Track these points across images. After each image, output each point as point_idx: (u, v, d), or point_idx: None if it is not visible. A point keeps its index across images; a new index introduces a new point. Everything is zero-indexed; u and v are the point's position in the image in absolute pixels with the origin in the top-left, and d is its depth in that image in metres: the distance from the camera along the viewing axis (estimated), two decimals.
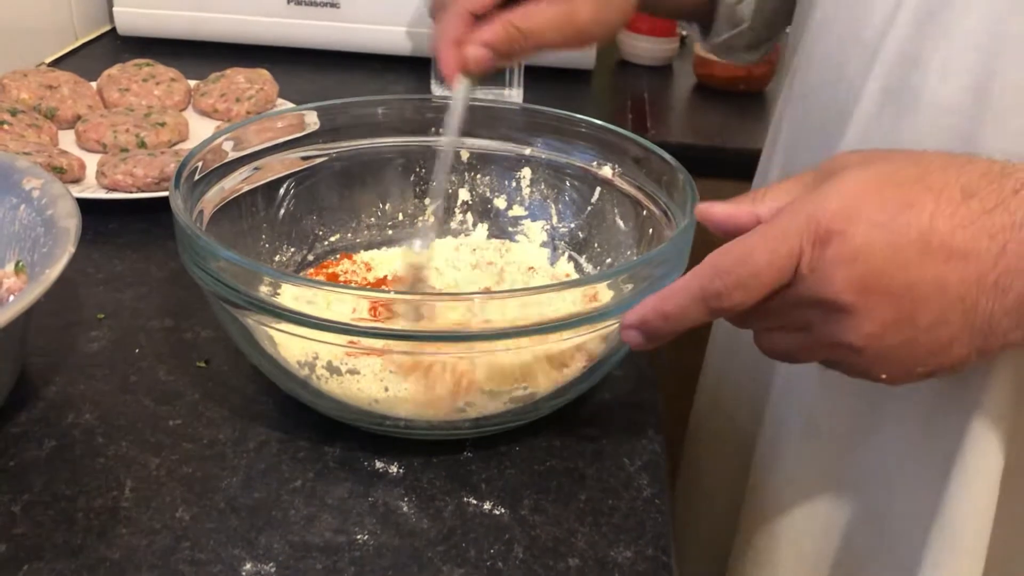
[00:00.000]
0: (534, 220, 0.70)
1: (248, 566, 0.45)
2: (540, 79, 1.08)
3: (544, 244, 0.69)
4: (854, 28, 0.52)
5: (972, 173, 0.40)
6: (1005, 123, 0.45)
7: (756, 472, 0.65)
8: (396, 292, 0.48)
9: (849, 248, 0.39)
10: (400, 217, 0.70)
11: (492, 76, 1.00)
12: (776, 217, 0.42)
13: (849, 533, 0.58)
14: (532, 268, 0.66)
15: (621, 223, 0.65)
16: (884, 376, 0.43)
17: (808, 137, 0.58)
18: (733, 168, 0.75)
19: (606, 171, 0.66)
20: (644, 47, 1.24)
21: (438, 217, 0.62)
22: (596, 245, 0.67)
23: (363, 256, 0.67)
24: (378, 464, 0.52)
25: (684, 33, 1.31)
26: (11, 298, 0.55)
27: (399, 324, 0.46)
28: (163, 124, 0.85)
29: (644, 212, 0.63)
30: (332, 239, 0.68)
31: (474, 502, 0.50)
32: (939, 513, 0.51)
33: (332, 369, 0.50)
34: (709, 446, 0.78)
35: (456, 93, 0.57)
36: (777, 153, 0.63)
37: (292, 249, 0.66)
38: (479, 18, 0.55)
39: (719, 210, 0.46)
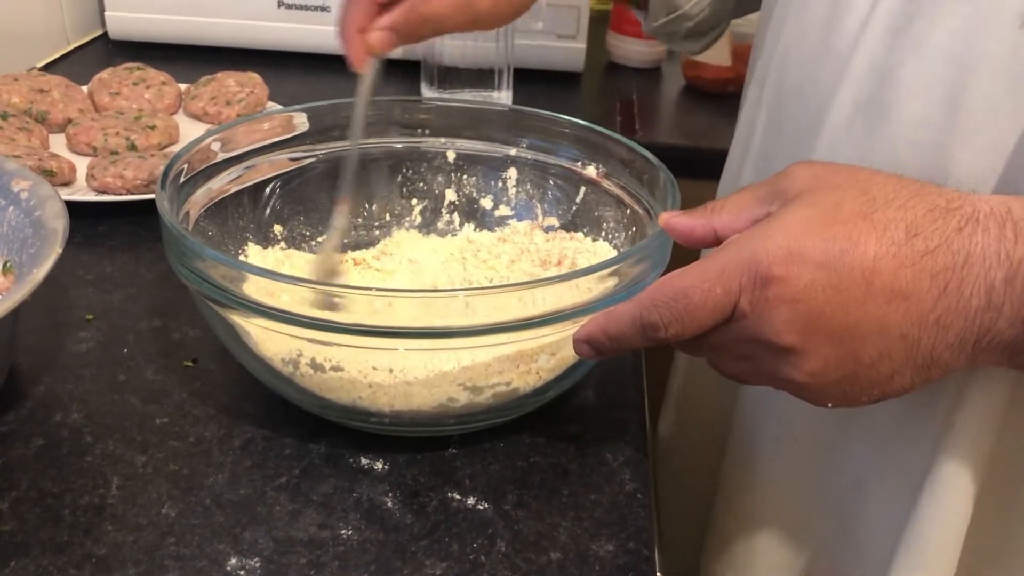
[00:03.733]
0: (520, 219, 0.70)
1: (233, 561, 0.46)
2: (529, 81, 1.08)
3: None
4: (825, 37, 0.52)
5: (918, 210, 0.40)
6: (975, 138, 0.45)
7: (728, 474, 0.65)
8: (379, 289, 0.48)
9: (790, 290, 0.39)
10: (387, 217, 0.71)
11: (481, 79, 1.02)
12: (719, 252, 0.42)
13: (821, 540, 0.58)
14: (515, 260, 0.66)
15: (605, 222, 0.66)
16: (830, 404, 0.43)
17: (781, 145, 0.58)
18: (720, 169, 0.76)
19: (591, 171, 0.66)
20: (633, 49, 1.25)
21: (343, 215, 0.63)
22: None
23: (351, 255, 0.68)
24: (363, 461, 0.53)
25: None
26: None
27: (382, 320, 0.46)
28: (153, 127, 0.86)
29: (628, 211, 0.64)
30: (319, 239, 0.68)
31: (458, 497, 0.50)
32: (909, 527, 0.50)
33: (316, 366, 0.50)
34: (681, 445, 0.78)
35: (363, 77, 0.59)
36: (750, 158, 0.63)
37: (279, 248, 0.66)
38: (383, 6, 0.57)
39: (678, 222, 0.46)
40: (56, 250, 0.51)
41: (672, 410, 0.80)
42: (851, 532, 0.55)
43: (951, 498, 0.49)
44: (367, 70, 0.58)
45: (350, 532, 0.48)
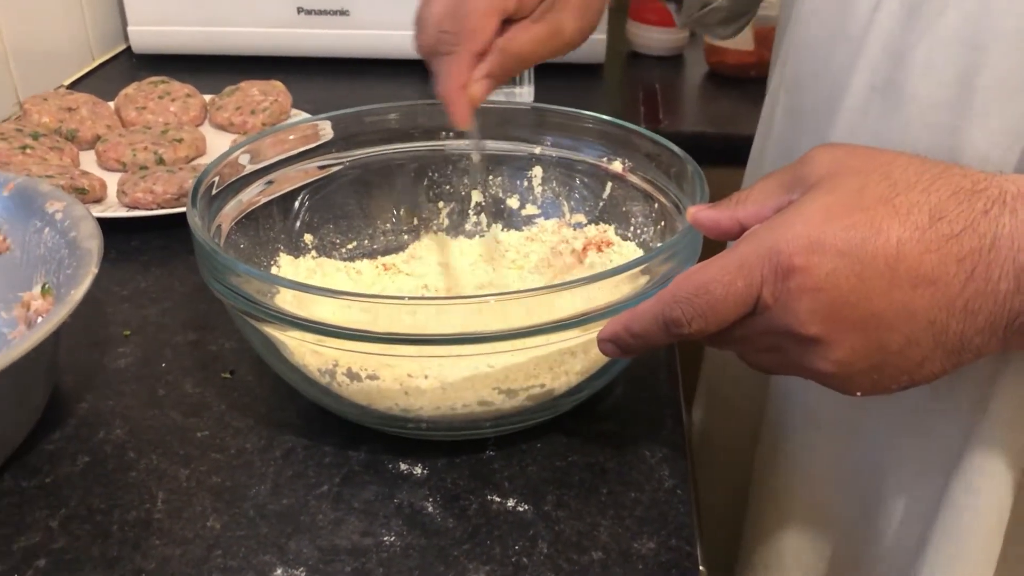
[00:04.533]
0: (547, 218, 0.70)
1: (279, 571, 0.46)
2: (551, 75, 1.08)
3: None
4: (840, 21, 0.52)
5: (942, 192, 0.39)
6: (989, 119, 0.45)
7: (761, 463, 0.65)
8: (410, 298, 0.49)
9: (813, 280, 0.39)
10: (415, 222, 0.71)
11: None
12: (739, 244, 0.42)
13: (848, 529, 0.58)
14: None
15: (633, 217, 0.66)
16: (859, 393, 0.43)
17: (800, 129, 0.58)
18: (746, 155, 0.75)
19: (616, 166, 0.66)
20: (654, 38, 1.25)
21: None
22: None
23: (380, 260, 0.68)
24: (402, 466, 0.53)
25: None
26: (39, 320, 0.56)
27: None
28: (180, 140, 0.87)
29: (656, 205, 0.63)
30: (349, 246, 0.69)
31: (498, 500, 0.51)
32: (940, 514, 0.50)
33: (352, 375, 0.51)
34: (713, 437, 0.78)
35: (472, 130, 0.59)
36: (771, 144, 0.63)
37: (311, 257, 0.67)
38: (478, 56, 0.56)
39: (704, 216, 0.46)
40: (92, 270, 0.52)
41: (703, 401, 0.80)
42: (878, 516, 0.55)
43: (986, 485, 0.48)
44: (472, 124, 0.57)
45: (393, 538, 0.48)
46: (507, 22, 0.56)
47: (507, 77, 0.57)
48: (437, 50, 0.56)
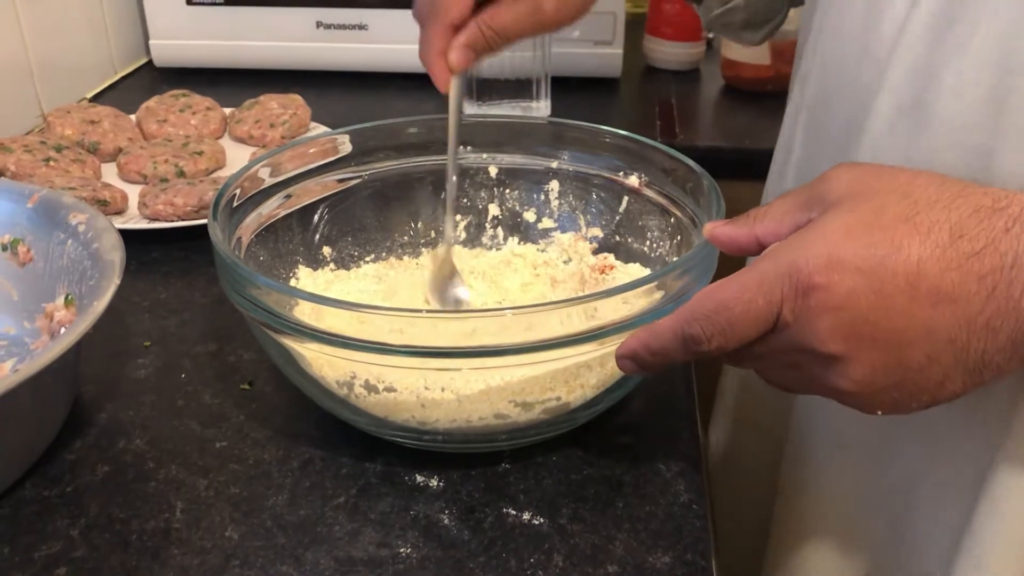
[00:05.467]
0: (563, 232, 0.71)
1: None
2: (567, 89, 1.09)
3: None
4: (863, 40, 0.52)
5: (963, 210, 0.39)
6: (1020, 140, 0.44)
7: (785, 481, 0.65)
8: (428, 311, 0.49)
9: (833, 298, 0.39)
10: (432, 235, 0.72)
11: (520, 89, 1.02)
12: (759, 262, 0.42)
13: (875, 545, 0.58)
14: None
15: (650, 231, 0.66)
16: (880, 412, 0.43)
17: (823, 149, 0.58)
18: (762, 169, 0.75)
19: (632, 180, 0.66)
20: (670, 52, 1.25)
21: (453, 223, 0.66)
22: (626, 254, 0.67)
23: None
24: (418, 478, 0.53)
25: (711, 36, 1.31)
26: (62, 330, 0.57)
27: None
28: (201, 153, 0.88)
29: (672, 219, 0.64)
30: (367, 259, 0.69)
31: (513, 512, 0.51)
32: (967, 533, 0.50)
33: (370, 387, 0.51)
34: (736, 455, 0.78)
35: (452, 95, 0.61)
36: (792, 163, 0.63)
37: (328, 270, 0.67)
38: (457, 28, 0.59)
39: (722, 232, 0.46)
40: (115, 281, 0.53)
41: (726, 417, 0.80)
42: (905, 537, 0.55)
43: (1012, 503, 0.48)
44: (452, 89, 0.60)
45: (409, 550, 0.49)
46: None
47: (490, 51, 0.60)
48: (420, 18, 0.60)
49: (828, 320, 0.40)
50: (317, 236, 0.67)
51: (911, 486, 0.54)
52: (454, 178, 0.64)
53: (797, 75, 0.64)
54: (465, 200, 0.72)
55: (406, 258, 0.70)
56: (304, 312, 0.49)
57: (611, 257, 0.67)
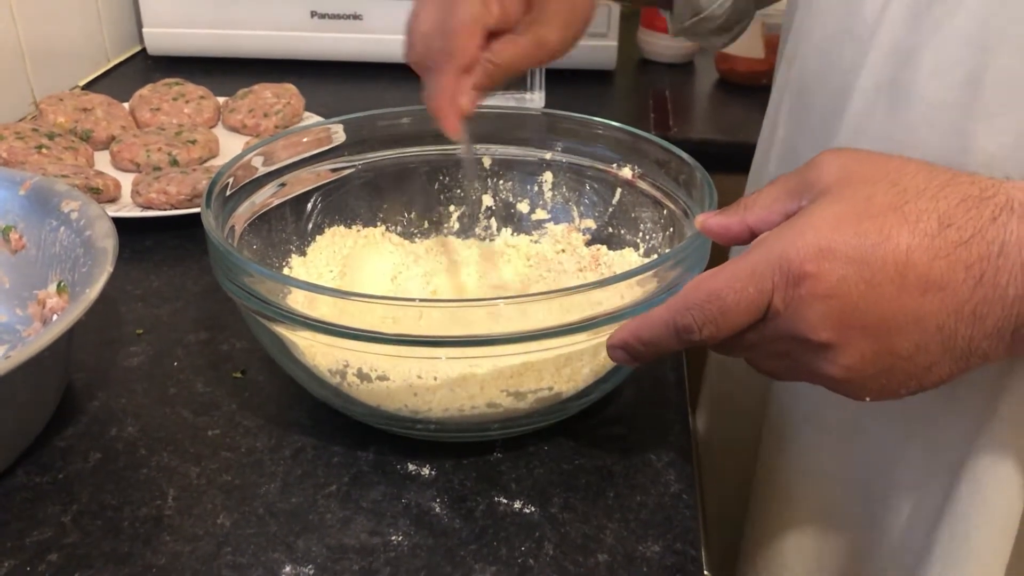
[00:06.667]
0: (557, 223, 0.71)
1: (288, 569, 0.47)
2: (562, 81, 1.09)
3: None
4: (846, 22, 0.53)
5: (951, 199, 0.39)
6: (996, 119, 0.45)
7: (764, 465, 0.65)
8: (421, 300, 0.49)
9: (824, 286, 0.40)
10: (426, 225, 0.72)
11: (514, 81, 1.02)
12: (749, 252, 0.42)
13: (854, 528, 0.58)
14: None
15: (643, 223, 0.66)
16: (868, 398, 0.43)
17: (804, 132, 0.58)
18: None
19: (626, 172, 0.67)
20: (665, 45, 1.25)
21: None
22: (619, 245, 0.68)
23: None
24: (410, 467, 0.54)
25: None
26: (54, 317, 0.57)
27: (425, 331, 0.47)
28: (194, 141, 0.88)
29: (665, 211, 0.64)
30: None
31: (504, 501, 0.51)
32: (946, 517, 0.50)
33: (362, 376, 0.51)
34: (716, 439, 0.78)
35: (463, 140, 0.60)
36: (775, 148, 0.63)
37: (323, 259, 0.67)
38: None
39: (714, 222, 0.47)
40: (107, 269, 0.53)
41: (707, 406, 0.80)
42: (883, 519, 0.56)
43: (994, 487, 0.49)
44: (462, 134, 0.58)
45: (400, 538, 0.49)
46: (493, 35, 0.57)
47: (494, 86, 0.58)
48: (426, 65, 0.57)
49: (819, 308, 0.40)
50: (310, 225, 0.67)
51: (891, 468, 0.55)
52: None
53: (782, 58, 0.65)
54: (459, 190, 0.72)
55: None
56: (297, 300, 0.49)
57: (604, 248, 0.67)
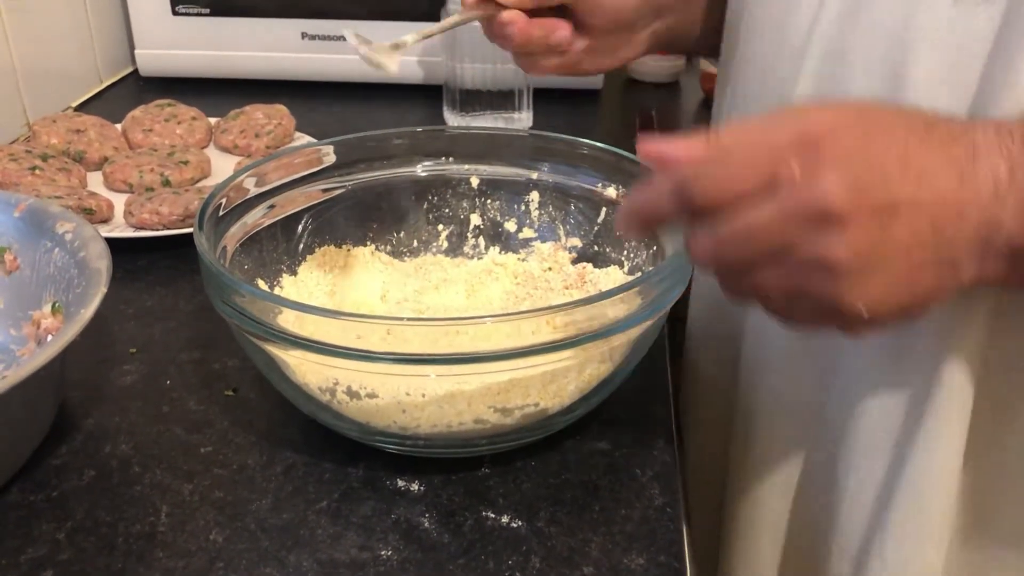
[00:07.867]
0: (543, 241, 0.72)
1: None
2: (549, 101, 1.10)
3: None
4: (781, 34, 0.55)
5: (927, 116, 0.42)
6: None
7: (735, 445, 0.68)
8: (410, 319, 0.50)
9: (842, 148, 0.40)
10: (415, 244, 0.73)
11: (502, 100, 1.04)
12: (755, 126, 0.42)
13: (816, 503, 0.61)
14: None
15: (627, 241, 0.67)
16: (860, 304, 0.41)
17: None
18: None
19: (611, 192, 0.68)
20: (651, 64, 1.27)
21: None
22: (604, 263, 0.69)
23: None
24: (400, 483, 0.54)
25: None
26: (49, 338, 0.58)
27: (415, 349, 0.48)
28: (186, 162, 0.89)
29: None
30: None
31: (492, 516, 0.52)
32: (900, 475, 0.53)
33: (352, 393, 0.52)
34: (695, 413, 0.80)
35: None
36: None
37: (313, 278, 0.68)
38: None
39: (669, 146, 0.44)
40: (101, 289, 0.54)
41: (688, 378, 0.82)
42: (842, 488, 0.58)
43: (944, 444, 0.52)
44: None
45: (390, 553, 0.50)
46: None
47: (534, 47, 0.66)
48: None
49: (836, 171, 0.39)
50: (301, 245, 0.68)
51: (848, 434, 0.57)
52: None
53: (721, 83, 0.67)
54: (447, 210, 0.73)
55: None
56: (288, 320, 0.50)
57: (589, 267, 0.69)
